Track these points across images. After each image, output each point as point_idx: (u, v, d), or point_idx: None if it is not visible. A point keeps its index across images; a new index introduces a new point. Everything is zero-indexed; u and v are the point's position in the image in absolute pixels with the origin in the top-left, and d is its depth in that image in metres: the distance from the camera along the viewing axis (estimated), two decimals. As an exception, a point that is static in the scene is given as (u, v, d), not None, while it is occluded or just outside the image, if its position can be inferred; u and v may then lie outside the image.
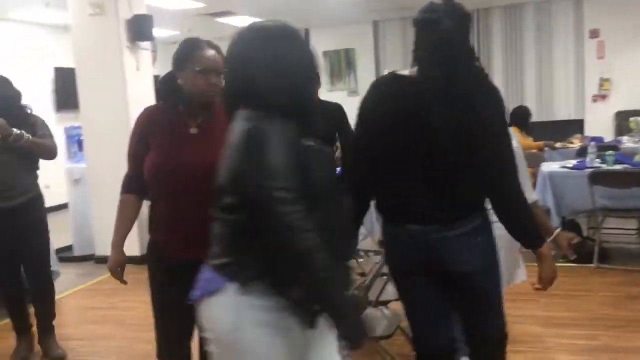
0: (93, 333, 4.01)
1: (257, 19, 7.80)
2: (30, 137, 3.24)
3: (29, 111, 3.43)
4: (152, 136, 2.16)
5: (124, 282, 2.28)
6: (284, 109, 1.50)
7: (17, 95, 3.41)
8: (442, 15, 1.84)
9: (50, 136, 3.42)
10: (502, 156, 1.89)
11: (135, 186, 2.24)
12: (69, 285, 5.00)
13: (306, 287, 1.47)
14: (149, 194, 2.24)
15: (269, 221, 1.43)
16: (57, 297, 4.65)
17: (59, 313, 4.53)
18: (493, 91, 1.94)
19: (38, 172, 3.53)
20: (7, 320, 3.67)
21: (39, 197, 3.50)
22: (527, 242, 1.99)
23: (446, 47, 1.85)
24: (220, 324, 1.53)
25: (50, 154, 3.41)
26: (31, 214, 3.43)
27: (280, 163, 1.44)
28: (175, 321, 2.18)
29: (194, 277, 2.10)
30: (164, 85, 2.20)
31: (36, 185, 3.50)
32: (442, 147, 1.85)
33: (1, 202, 3.33)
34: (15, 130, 3.16)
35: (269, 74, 1.51)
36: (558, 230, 2.30)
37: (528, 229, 1.96)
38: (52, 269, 4.58)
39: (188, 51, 2.11)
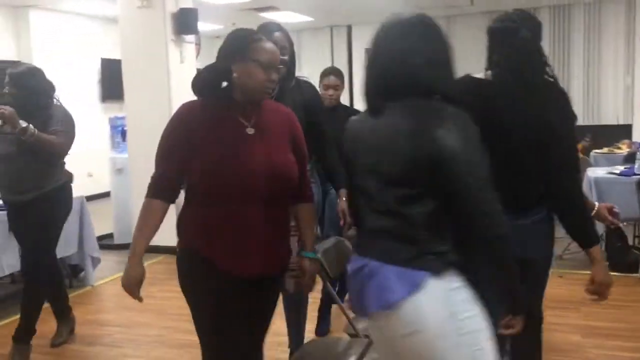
0: (131, 320, 4.07)
1: (301, 15, 7.76)
2: (36, 131, 3.07)
3: (56, 102, 3.32)
4: (196, 135, 1.92)
5: (140, 299, 1.96)
6: (447, 96, 1.55)
7: (46, 85, 3.31)
8: (520, 24, 1.99)
9: (64, 132, 3.23)
10: (567, 159, 2.02)
11: (163, 190, 1.98)
12: (108, 272, 5.11)
13: (494, 267, 1.55)
14: (190, 198, 2.00)
15: (469, 209, 1.48)
16: (97, 283, 4.81)
17: (98, 300, 4.65)
18: (562, 96, 2.05)
19: (62, 165, 3.40)
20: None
21: (53, 193, 3.33)
22: (582, 241, 2.06)
23: (522, 55, 2.00)
24: (435, 318, 1.49)
25: (55, 152, 3.24)
26: (39, 209, 3.28)
27: (477, 150, 1.48)
28: (239, 339, 1.96)
29: (255, 286, 1.95)
30: (210, 76, 1.97)
31: (53, 180, 3.34)
32: (512, 147, 1.98)
33: (13, 196, 3.31)
34: (22, 123, 3.03)
35: (433, 63, 1.56)
36: (596, 204, 2.38)
37: (585, 228, 2.04)
38: (93, 255, 4.73)
39: (248, 41, 1.92)
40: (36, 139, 3.09)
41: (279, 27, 2.80)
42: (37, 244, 3.34)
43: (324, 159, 2.92)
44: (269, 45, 1.93)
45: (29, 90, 3.21)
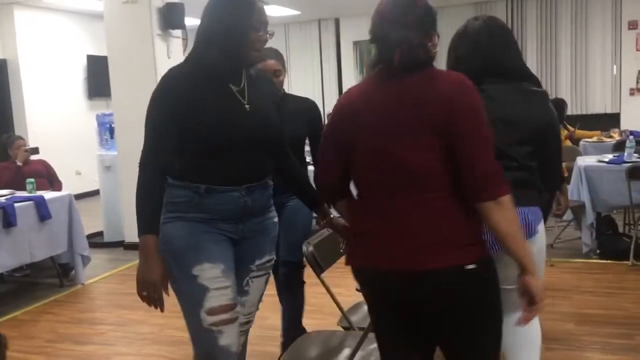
0: (123, 318, 4.04)
1: (287, 9, 7.71)
2: None
3: None
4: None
5: None
6: (531, 79, 2.13)
7: None
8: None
9: None
10: None
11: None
12: (99, 271, 5.08)
13: (553, 192, 2.28)
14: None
15: (557, 157, 2.15)
16: (87, 282, 4.78)
17: (89, 298, 4.62)
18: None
19: None
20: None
21: None
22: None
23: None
24: (544, 236, 2.12)
25: None
26: None
27: None
28: None
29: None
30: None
31: None
32: None
33: None
34: None
35: (520, 55, 2.18)
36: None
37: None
38: (83, 253, 4.69)
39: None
40: None
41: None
42: None
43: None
44: None
45: None
